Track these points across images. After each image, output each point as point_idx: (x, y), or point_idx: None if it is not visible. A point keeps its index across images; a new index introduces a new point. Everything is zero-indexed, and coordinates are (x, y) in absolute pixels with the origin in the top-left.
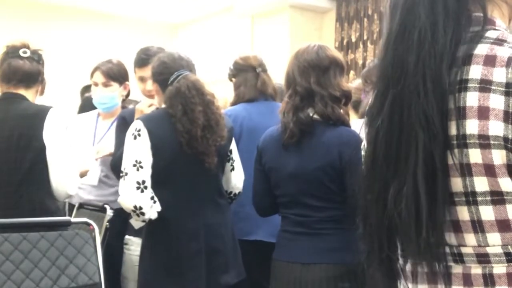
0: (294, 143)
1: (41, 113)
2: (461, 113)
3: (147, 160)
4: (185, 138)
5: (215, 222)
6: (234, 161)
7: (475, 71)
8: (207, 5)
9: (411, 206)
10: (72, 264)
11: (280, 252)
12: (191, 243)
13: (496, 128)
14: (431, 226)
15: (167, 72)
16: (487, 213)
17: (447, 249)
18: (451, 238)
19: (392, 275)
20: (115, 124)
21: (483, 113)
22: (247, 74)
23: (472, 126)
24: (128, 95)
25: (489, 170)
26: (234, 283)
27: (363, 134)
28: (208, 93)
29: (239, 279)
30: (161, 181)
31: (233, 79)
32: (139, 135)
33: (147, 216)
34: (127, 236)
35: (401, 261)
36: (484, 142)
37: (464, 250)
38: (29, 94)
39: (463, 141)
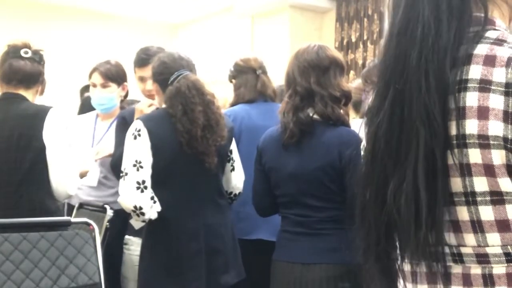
0: (294, 143)
1: (41, 113)
2: (461, 113)
3: (147, 160)
4: (185, 138)
5: (215, 222)
6: (234, 161)
7: (475, 71)
8: (207, 5)
9: (411, 202)
10: (72, 264)
11: (280, 252)
12: (191, 243)
13: (495, 128)
14: (431, 223)
15: (167, 72)
16: (486, 213)
17: (447, 249)
18: (450, 238)
19: (388, 272)
20: (114, 124)
21: (483, 113)
22: (247, 75)
23: (471, 126)
24: (126, 95)
25: (489, 170)
26: (234, 283)
27: (363, 134)
28: (208, 93)
29: (239, 279)
30: (161, 181)
31: (233, 80)
32: (139, 135)
33: (147, 216)
34: (127, 236)
35: (399, 261)
36: (484, 142)
37: (463, 250)
38: (29, 94)
39: (462, 141)
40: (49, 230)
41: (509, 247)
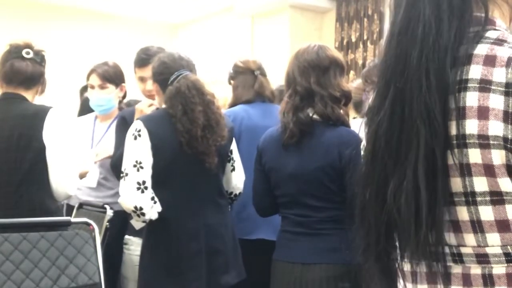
0: (294, 143)
1: (41, 113)
2: (461, 113)
3: (148, 160)
4: (185, 138)
5: (216, 222)
6: (234, 161)
7: (475, 71)
8: (207, 5)
9: (411, 202)
10: (72, 264)
11: (280, 252)
12: (191, 243)
13: (495, 128)
14: (431, 223)
15: (167, 72)
16: (486, 213)
17: (447, 249)
18: (450, 238)
19: (388, 272)
20: (113, 125)
21: (483, 113)
22: (245, 76)
23: (471, 126)
24: (124, 96)
25: (489, 170)
26: (234, 283)
27: (363, 134)
28: (208, 93)
29: (239, 279)
30: (161, 181)
31: (232, 82)
32: (139, 135)
33: (147, 217)
34: (127, 236)
35: (399, 261)
36: (484, 142)
37: (463, 250)
38: (29, 95)
39: (463, 141)
40: (49, 230)
41: (509, 247)
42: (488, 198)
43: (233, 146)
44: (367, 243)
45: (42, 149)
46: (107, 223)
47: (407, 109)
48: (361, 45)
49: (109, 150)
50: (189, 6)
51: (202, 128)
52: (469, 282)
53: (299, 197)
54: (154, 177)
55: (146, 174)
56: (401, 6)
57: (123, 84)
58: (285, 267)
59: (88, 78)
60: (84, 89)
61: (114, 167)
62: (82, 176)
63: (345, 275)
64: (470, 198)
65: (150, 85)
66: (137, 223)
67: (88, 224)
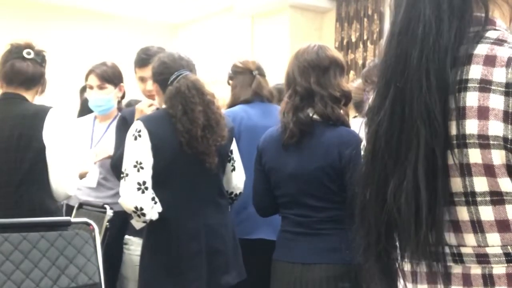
0: (294, 143)
1: (41, 113)
2: (461, 113)
3: (148, 160)
4: (185, 138)
5: (216, 222)
6: (235, 161)
7: (475, 71)
8: (207, 5)
9: (411, 202)
10: (72, 264)
11: (280, 253)
12: (192, 243)
13: (495, 128)
14: (431, 223)
15: (167, 72)
16: (486, 213)
17: (447, 249)
18: (450, 238)
19: (388, 271)
20: (112, 125)
21: (483, 113)
22: (243, 76)
23: (471, 126)
24: (123, 96)
25: (489, 170)
26: (235, 283)
27: (363, 134)
28: (208, 93)
29: (240, 280)
30: (161, 181)
31: (231, 82)
32: (139, 135)
33: (148, 217)
34: (127, 236)
35: (400, 260)
36: (484, 142)
37: (463, 250)
38: (29, 95)
39: (463, 141)
40: (49, 230)
41: (509, 247)
42: (488, 198)
43: (234, 146)
44: (367, 243)
45: (42, 149)
46: (107, 223)
47: (407, 109)
48: (361, 45)
49: (109, 150)
50: (189, 6)
51: (202, 128)
52: (469, 282)
53: (299, 197)
54: (154, 177)
55: (147, 175)
56: (401, 6)
57: (121, 84)
58: (285, 267)
59: (86, 79)
60: (84, 89)
61: (114, 167)
62: (82, 176)
63: (345, 275)
64: (470, 198)
65: (150, 85)
66: (137, 223)
67: (88, 224)
